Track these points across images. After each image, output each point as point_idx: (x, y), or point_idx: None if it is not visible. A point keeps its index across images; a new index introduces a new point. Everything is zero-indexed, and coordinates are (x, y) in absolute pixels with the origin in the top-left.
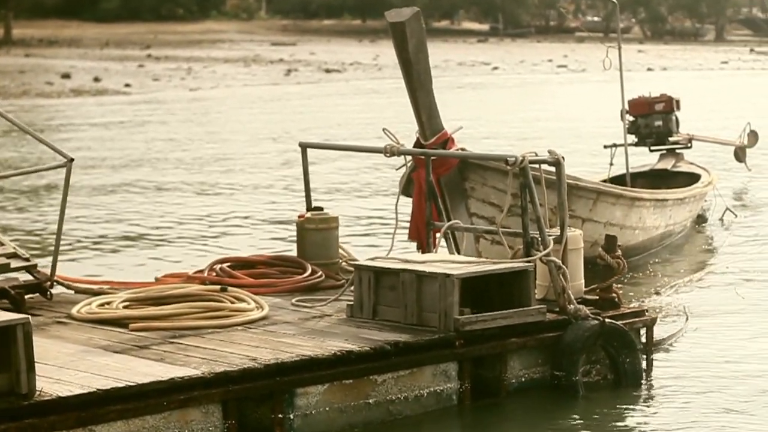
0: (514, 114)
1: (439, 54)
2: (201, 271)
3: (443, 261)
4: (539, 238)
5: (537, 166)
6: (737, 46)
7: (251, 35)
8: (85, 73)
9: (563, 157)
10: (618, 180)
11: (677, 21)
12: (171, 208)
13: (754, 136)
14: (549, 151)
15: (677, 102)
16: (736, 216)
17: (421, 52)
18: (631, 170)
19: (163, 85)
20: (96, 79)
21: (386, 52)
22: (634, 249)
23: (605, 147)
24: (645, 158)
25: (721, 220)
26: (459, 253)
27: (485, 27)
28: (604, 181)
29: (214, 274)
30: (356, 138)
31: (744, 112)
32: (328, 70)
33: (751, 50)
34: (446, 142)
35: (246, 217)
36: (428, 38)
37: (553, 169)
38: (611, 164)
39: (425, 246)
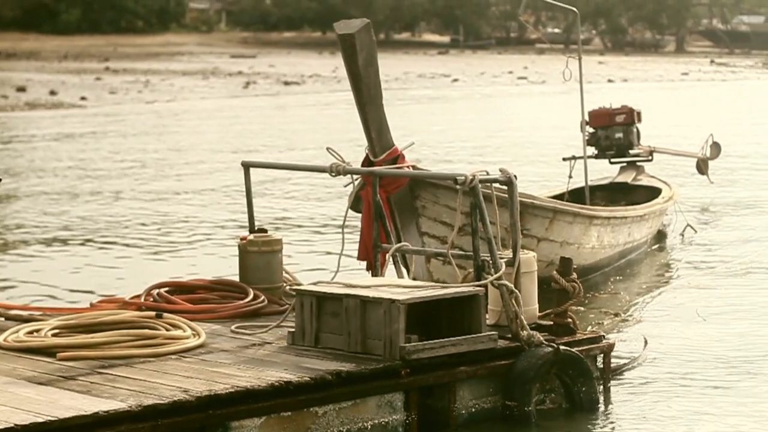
0: (472, 127)
1: (399, 66)
2: (138, 297)
3: (389, 285)
4: (490, 261)
5: (488, 185)
6: (698, 58)
7: (211, 47)
8: (42, 86)
9: (515, 176)
10: (577, 193)
11: (638, 32)
12: (108, 227)
13: (716, 147)
14: (500, 170)
15: (638, 114)
16: (696, 231)
17: (371, 66)
18: (590, 183)
19: (120, 98)
20: (52, 92)
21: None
22: (593, 268)
23: (564, 160)
24: (605, 170)
25: (682, 235)
26: (409, 274)
27: (446, 39)
28: (563, 194)
29: (151, 299)
30: (312, 153)
31: (706, 124)
32: (287, 83)
33: (712, 61)
34: (397, 158)
35: (188, 239)
36: (389, 50)
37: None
38: (570, 177)
39: (374, 268)
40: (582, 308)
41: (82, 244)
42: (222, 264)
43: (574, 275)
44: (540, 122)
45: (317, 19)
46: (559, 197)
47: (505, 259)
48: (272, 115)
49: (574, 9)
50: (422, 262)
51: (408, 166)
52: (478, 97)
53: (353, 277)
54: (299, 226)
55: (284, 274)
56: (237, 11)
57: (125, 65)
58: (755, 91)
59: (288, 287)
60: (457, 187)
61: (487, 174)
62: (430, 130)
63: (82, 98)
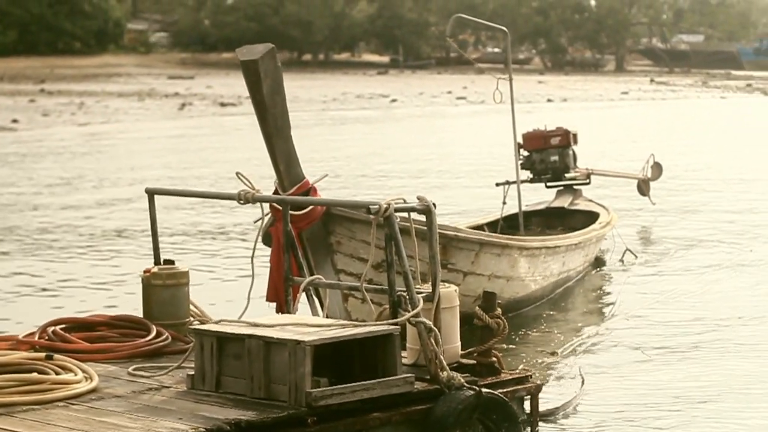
0: (406, 149)
1: (338, 86)
2: (32, 334)
3: (297, 324)
4: (407, 296)
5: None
6: (637, 77)
7: (149, 69)
8: None
9: (434, 204)
10: (512, 219)
11: (577, 52)
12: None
13: (657, 168)
14: (418, 198)
15: (574, 135)
16: (636, 257)
17: (277, 94)
18: (526, 208)
19: (53, 120)
20: None
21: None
22: (524, 301)
23: (497, 185)
24: (543, 194)
25: (622, 261)
26: (323, 309)
27: (386, 59)
28: (497, 221)
29: (46, 337)
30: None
31: (646, 144)
32: (223, 104)
33: (652, 80)
34: (308, 192)
35: (90, 271)
36: (328, 71)
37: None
38: (504, 203)
39: (284, 307)
40: (513, 344)
41: None
42: (126, 299)
43: (499, 311)
44: (477, 144)
45: (256, 40)
46: (493, 224)
47: (424, 294)
48: (204, 137)
49: (504, 29)
50: (339, 300)
51: None
52: (416, 117)
53: (264, 314)
54: (211, 257)
55: (192, 308)
56: (175, 32)
57: (61, 87)
58: (695, 110)
59: (195, 323)
60: (371, 217)
61: (405, 202)
62: (362, 153)
63: (14, 120)
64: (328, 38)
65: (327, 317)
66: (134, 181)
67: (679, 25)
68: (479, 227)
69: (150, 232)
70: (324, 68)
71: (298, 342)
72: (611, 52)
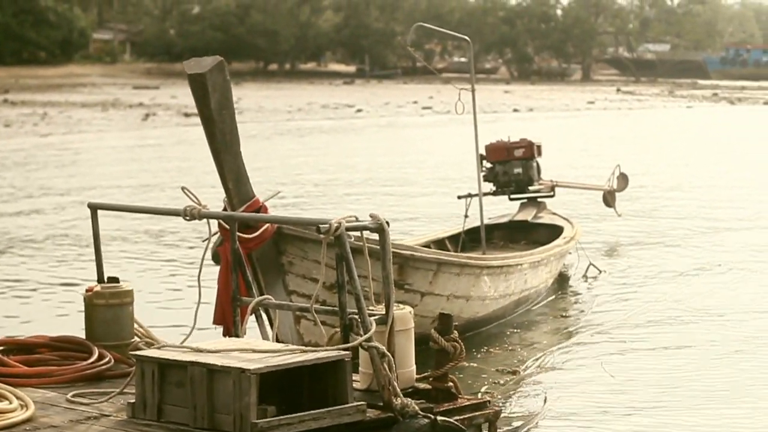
0: (369, 160)
1: (303, 96)
2: None
3: (243, 350)
4: (359, 319)
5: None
6: (604, 86)
7: (114, 78)
8: None
9: (387, 222)
10: (474, 233)
11: (544, 61)
12: None
13: (623, 179)
14: (371, 215)
15: (538, 147)
16: (601, 272)
17: (225, 109)
18: (489, 221)
19: (14, 131)
20: None
21: (249, 95)
22: (485, 320)
23: (459, 198)
24: (506, 207)
25: (585, 277)
26: (273, 329)
27: (352, 69)
28: (459, 234)
29: None
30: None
31: (612, 154)
32: (187, 114)
33: (618, 90)
34: (258, 211)
35: (31, 289)
36: (294, 80)
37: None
38: (466, 216)
39: (231, 329)
40: (472, 366)
41: None
42: (69, 319)
43: (455, 333)
44: (442, 155)
45: (222, 50)
46: (455, 237)
47: (377, 317)
48: (167, 147)
49: (467, 38)
50: (290, 323)
51: None
52: (381, 127)
53: (212, 336)
54: (158, 275)
55: (137, 329)
56: (141, 42)
57: (24, 97)
58: (661, 120)
59: (143, 344)
60: (320, 236)
61: (357, 220)
62: (324, 164)
63: None
64: (294, 48)
65: (278, 340)
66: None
67: (646, 35)
68: (440, 241)
69: (93, 249)
70: (290, 78)
71: (242, 370)
72: (578, 61)
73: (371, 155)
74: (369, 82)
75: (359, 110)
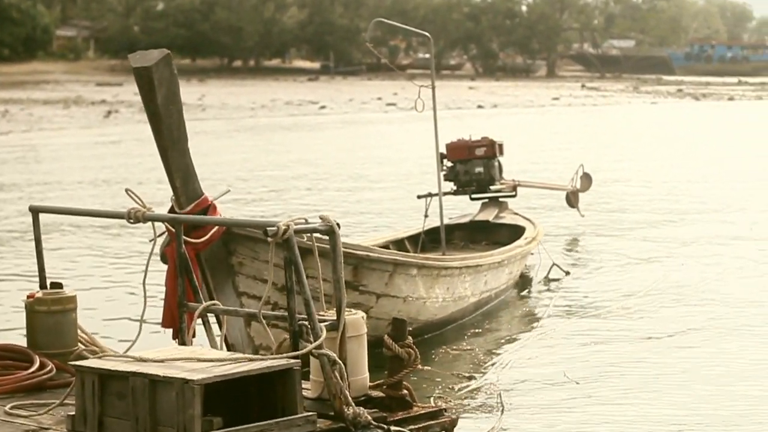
0: (331, 157)
1: (267, 93)
2: None
3: (188, 359)
4: (309, 325)
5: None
6: (569, 82)
7: (77, 75)
8: None
9: (338, 224)
10: (433, 233)
11: (509, 57)
12: None
13: (587, 179)
14: (321, 217)
15: (500, 146)
16: (566, 272)
17: (172, 104)
18: (449, 222)
19: None
20: None
21: (213, 91)
22: (443, 323)
23: (419, 197)
24: (468, 207)
25: (547, 278)
26: (227, 340)
27: (317, 65)
28: (419, 235)
29: None
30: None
31: (576, 151)
32: None
33: (583, 86)
34: (206, 209)
35: None
36: (259, 77)
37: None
38: (426, 216)
39: (180, 333)
40: (429, 371)
41: None
42: (9, 325)
43: (410, 339)
44: (405, 152)
45: (187, 46)
46: (415, 238)
47: (328, 323)
48: (127, 144)
49: (427, 34)
50: (241, 326)
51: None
52: (344, 124)
53: (161, 341)
54: (104, 279)
55: (81, 335)
56: (105, 39)
57: None
58: (626, 116)
59: (87, 352)
60: (268, 239)
61: (306, 222)
62: (283, 162)
63: None
64: (259, 44)
65: (228, 343)
66: (41, 190)
67: (611, 31)
68: (400, 242)
69: (35, 253)
70: (254, 75)
71: (185, 381)
72: (542, 57)
73: (333, 152)
74: (333, 78)
75: (323, 107)
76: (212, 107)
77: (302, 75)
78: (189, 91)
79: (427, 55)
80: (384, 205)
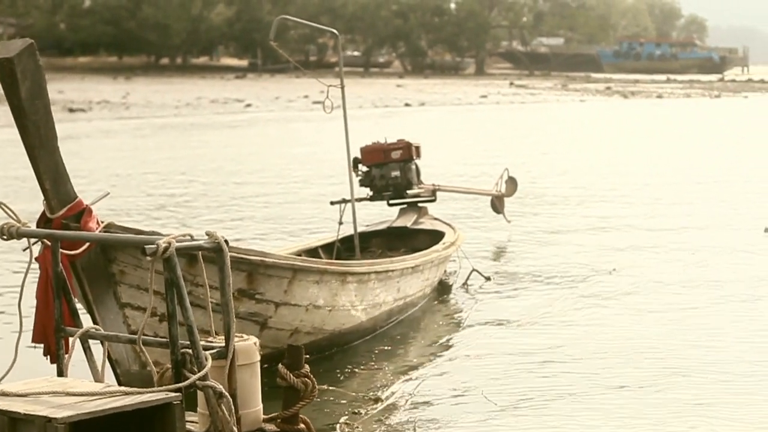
0: (249, 158)
1: (193, 91)
2: None
3: (56, 393)
4: (193, 354)
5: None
6: (497, 80)
7: None
8: None
9: (227, 241)
10: (349, 241)
11: (437, 55)
12: None
13: (512, 183)
14: (207, 233)
15: (417, 148)
16: (487, 279)
17: (38, 99)
18: (366, 229)
19: None
20: None
21: (138, 89)
22: (352, 333)
23: (332, 204)
24: (388, 213)
25: (466, 285)
26: (110, 356)
27: (244, 63)
28: (333, 243)
29: None
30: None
31: (502, 152)
32: (72, 110)
33: (511, 83)
34: (81, 214)
35: None
36: (186, 75)
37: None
38: (340, 223)
39: (55, 355)
40: (332, 391)
41: None
42: None
43: (307, 368)
44: (328, 152)
45: (114, 44)
46: (330, 246)
47: (215, 350)
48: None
49: (334, 31)
50: (126, 344)
51: (101, 225)
52: (268, 123)
53: (38, 374)
54: None
55: None
56: (30, 36)
57: None
58: (554, 114)
59: None
60: (147, 258)
61: (192, 238)
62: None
63: None
64: (186, 42)
65: (113, 360)
66: None
67: (540, 28)
68: (313, 250)
69: None
70: (182, 72)
71: (48, 419)
72: (471, 55)
73: (252, 153)
74: (261, 76)
75: (249, 105)
76: (136, 105)
77: (230, 73)
78: (115, 89)
79: (356, 53)
80: (301, 212)
